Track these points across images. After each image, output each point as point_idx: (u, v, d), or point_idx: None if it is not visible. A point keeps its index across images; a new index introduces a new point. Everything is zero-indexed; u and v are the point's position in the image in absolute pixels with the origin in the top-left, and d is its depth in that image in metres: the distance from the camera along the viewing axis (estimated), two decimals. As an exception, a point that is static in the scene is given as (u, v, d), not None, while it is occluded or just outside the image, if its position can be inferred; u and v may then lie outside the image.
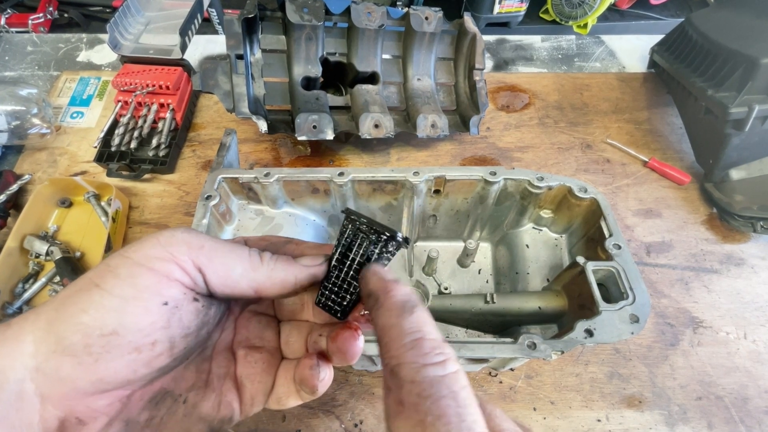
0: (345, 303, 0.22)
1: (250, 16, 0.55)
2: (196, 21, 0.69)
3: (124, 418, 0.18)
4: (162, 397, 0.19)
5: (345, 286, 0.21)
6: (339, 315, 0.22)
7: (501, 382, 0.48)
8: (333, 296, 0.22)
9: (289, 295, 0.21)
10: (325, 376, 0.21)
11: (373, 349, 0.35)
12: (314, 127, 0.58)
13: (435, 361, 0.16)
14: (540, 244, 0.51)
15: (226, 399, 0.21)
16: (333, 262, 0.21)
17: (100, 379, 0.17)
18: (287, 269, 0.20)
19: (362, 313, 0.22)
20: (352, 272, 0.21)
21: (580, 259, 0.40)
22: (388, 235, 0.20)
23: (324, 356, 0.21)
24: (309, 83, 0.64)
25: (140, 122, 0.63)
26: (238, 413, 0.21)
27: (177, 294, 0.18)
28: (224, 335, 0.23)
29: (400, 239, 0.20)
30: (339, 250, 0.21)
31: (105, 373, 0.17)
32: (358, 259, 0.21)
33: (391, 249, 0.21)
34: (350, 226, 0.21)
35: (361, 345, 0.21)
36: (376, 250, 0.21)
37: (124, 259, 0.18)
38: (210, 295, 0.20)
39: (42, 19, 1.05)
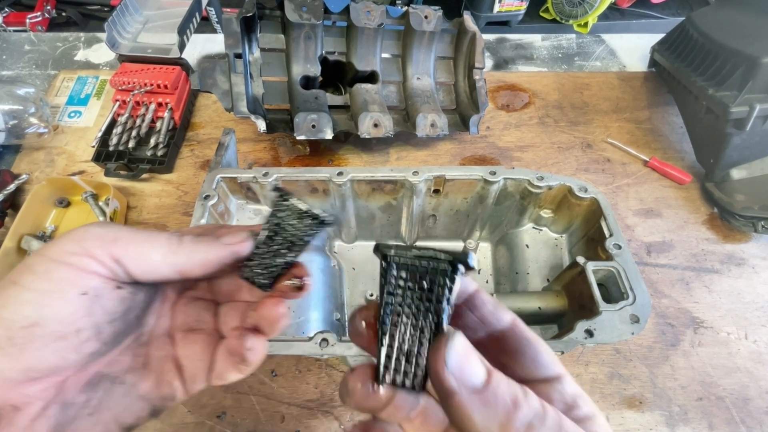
0: (272, 276, 0.22)
1: (248, 14, 0.55)
2: (194, 20, 0.69)
3: (60, 401, 0.19)
4: (99, 379, 0.21)
5: (273, 260, 0.22)
6: (265, 287, 0.22)
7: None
8: (260, 270, 0.22)
9: (215, 273, 0.22)
10: (254, 345, 0.21)
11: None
12: (313, 126, 0.57)
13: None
14: (540, 244, 0.51)
15: (166, 378, 0.22)
16: (264, 239, 0.22)
17: (29, 367, 0.18)
18: (207, 249, 0.21)
19: (287, 282, 0.22)
20: (279, 247, 0.22)
21: (581, 259, 0.40)
22: (314, 212, 0.21)
23: (257, 329, 0.22)
24: (308, 82, 0.63)
25: (138, 121, 0.62)
26: (180, 391, 0.23)
27: (96, 284, 0.19)
28: (161, 321, 0.24)
29: (325, 217, 0.21)
30: (269, 227, 0.22)
31: (32, 361, 0.18)
32: (286, 235, 0.21)
33: (315, 228, 0.21)
34: (279, 203, 0.21)
35: (282, 311, 0.21)
36: (302, 226, 0.21)
37: (40, 257, 0.19)
38: (135, 282, 0.21)
39: (39, 18, 1.04)
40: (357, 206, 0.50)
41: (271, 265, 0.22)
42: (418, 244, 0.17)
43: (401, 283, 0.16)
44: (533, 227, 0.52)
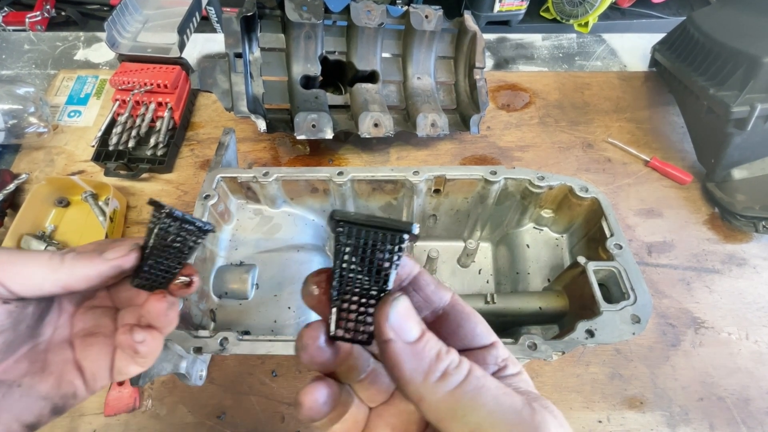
0: (162, 281, 0.24)
1: (248, 14, 0.55)
2: (194, 19, 0.69)
3: None
4: None
5: (162, 267, 0.24)
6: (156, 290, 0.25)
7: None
8: (151, 277, 0.24)
9: (102, 285, 0.24)
10: (144, 338, 0.23)
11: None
12: (313, 126, 0.57)
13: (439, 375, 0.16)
14: (541, 244, 0.51)
15: (67, 379, 0.24)
16: (150, 249, 0.24)
17: None
18: (88, 265, 0.23)
19: (176, 282, 0.25)
20: (167, 255, 0.24)
21: (581, 259, 0.40)
22: (190, 219, 0.23)
23: (150, 327, 0.24)
24: (308, 82, 0.63)
25: (138, 121, 0.62)
26: (82, 389, 0.24)
27: None
28: (59, 331, 0.25)
29: (202, 225, 0.23)
30: (152, 238, 0.23)
31: None
32: (172, 243, 0.23)
33: (197, 234, 0.23)
34: (156, 215, 0.23)
35: (163, 306, 0.23)
36: (185, 234, 0.23)
37: None
38: (22, 298, 0.23)
39: (39, 17, 1.04)
40: (357, 206, 0.50)
41: (160, 271, 0.24)
42: (371, 215, 0.18)
43: (351, 249, 0.18)
44: (534, 227, 0.51)
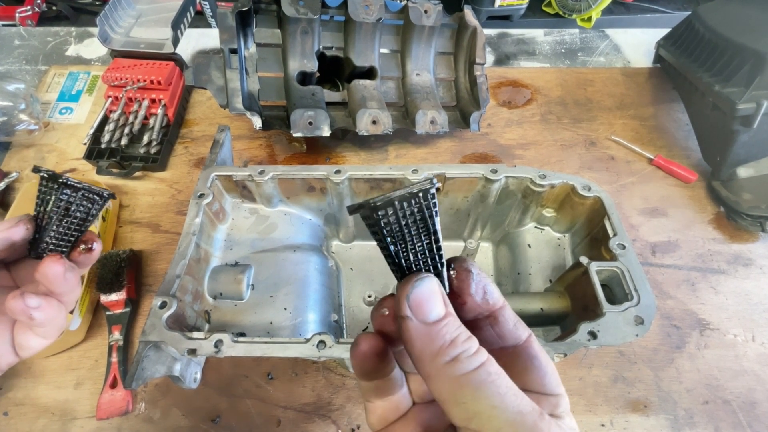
0: (62, 251, 0.25)
1: (244, 9, 0.54)
2: (188, 14, 0.68)
3: None
4: None
5: (61, 235, 0.24)
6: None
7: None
8: (49, 247, 0.24)
9: None
10: (39, 304, 0.23)
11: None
12: (310, 123, 0.57)
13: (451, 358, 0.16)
14: (542, 243, 0.50)
15: None
16: (47, 219, 0.24)
17: None
18: None
19: (77, 249, 0.25)
20: (64, 224, 0.24)
21: (584, 260, 0.39)
22: (87, 186, 0.23)
23: (48, 295, 0.24)
24: (305, 78, 0.63)
25: (131, 118, 0.61)
26: None
27: None
28: None
29: (98, 192, 0.24)
30: (48, 207, 0.24)
31: None
32: (66, 212, 0.24)
33: (92, 201, 0.24)
34: (45, 183, 0.23)
35: (59, 269, 0.23)
36: (82, 201, 0.24)
37: None
38: None
39: (29, 12, 1.02)
40: (355, 205, 0.49)
41: (59, 241, 0.24)
42: (379, 195, 0.18)
43: (396, 227, 0.18)
44: (535, 227, 0.51)
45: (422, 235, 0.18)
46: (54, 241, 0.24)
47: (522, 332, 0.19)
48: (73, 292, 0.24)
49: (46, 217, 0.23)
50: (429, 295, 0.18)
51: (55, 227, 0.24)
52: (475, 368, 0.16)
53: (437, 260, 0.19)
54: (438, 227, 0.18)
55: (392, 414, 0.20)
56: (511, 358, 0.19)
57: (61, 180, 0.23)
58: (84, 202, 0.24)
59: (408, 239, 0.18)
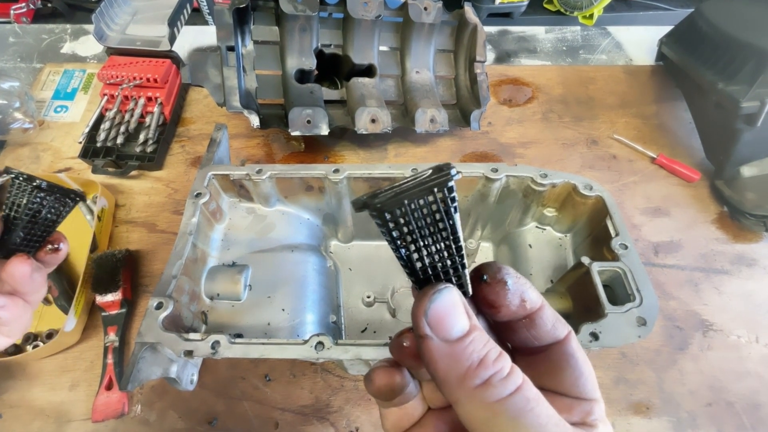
0: (30, 250, 0.25)
1: (241, 6, 0.53)
2: (185, 11, 0.67)
3: None
4: None
5: (29, 235, 0.24)
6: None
7: (503, 388, 0.46)
8: (17, 248, 0.24)
9: None
10: (4, 303, 0.23)
11: (369, 353, 0.33)
12: (308, 121, 0.56)
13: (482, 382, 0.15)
14: (543, 243, 0.49)
15: None
16: (17, 218, 0.24)
17: None
18: None
19: (45, 249, 0.25)
20: (33, 224, 0.24)
21: (585, 260, 0.39)
22: (56, 186, 0.23)
23: (14, 294, 0.25)
24: (303, 76, 0.62)
25: (127, 117, 0.61)
26: None
27: None
28: None
29: (66, 192, 0.24)
30: (16, 208, 0.24)
31: None
32: (35, 212, 0.24)
33: (60, 201, 0.24)
34: (17, 184, 0.23)
35: (26, 269, 0.23)
36: (52, 201, 0.24)
37: None
38: None
39: (24, 9, 1.01)
40: (353, 205, 0.49)
41: (27, 241, 0.25)
42: (384, 187, 0.15)
43: (411, 226, 0.15)
44: (536, 226, 0.50)
45: (439, 234, 0.16)
46: (22, 241, 0.24)
47: (561, 330, 0.18)
48: (39, 291, 0.25)
49: (17, 217, 0.23)
50: (450, 308, 0.16)
51: (24, 228, 0.24)
52: (511, 393, 0.15)
53: (457, 262, 0.17)
54: (458, 225, 0.16)
55: (406, 421, 0.19)
56: (545, 355, 0.17)
57: (35, 183, 0.23)
58: (56, 204, 0.24)
59: (423, 241, 0.16)
